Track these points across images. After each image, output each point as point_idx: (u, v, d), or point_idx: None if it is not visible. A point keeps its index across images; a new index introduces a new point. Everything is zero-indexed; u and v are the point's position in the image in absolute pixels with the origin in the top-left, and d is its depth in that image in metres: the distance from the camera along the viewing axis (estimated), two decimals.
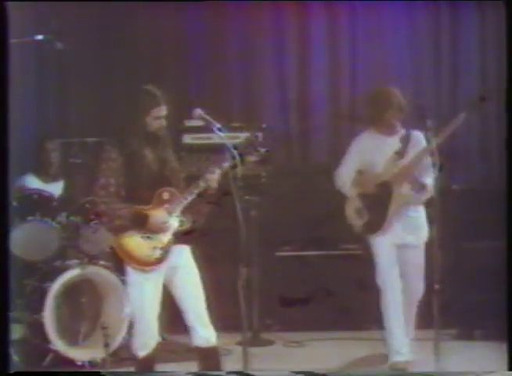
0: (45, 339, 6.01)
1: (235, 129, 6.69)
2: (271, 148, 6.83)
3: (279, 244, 7.31)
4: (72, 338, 6.22)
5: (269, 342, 6.87)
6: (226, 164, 4.83)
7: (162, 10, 7.49)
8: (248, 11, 7.68)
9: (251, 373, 4.90)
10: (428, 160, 5.63)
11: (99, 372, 5.61)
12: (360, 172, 5.84)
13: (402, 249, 5.78)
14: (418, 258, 5.77)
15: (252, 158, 4.94)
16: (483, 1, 7.51)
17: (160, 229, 4.83)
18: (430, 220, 5.10)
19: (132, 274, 4.87)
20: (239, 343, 5.51)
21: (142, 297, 4.87)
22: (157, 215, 4.81)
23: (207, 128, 4.90)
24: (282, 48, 7.96)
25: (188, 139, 7.19)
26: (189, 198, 4.86)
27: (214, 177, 4.83)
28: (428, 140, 5.39)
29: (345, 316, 6.18)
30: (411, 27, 7.85)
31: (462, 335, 6.73)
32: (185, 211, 4.89)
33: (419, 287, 5.81)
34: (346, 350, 6.21)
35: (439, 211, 5.02)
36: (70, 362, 6.03)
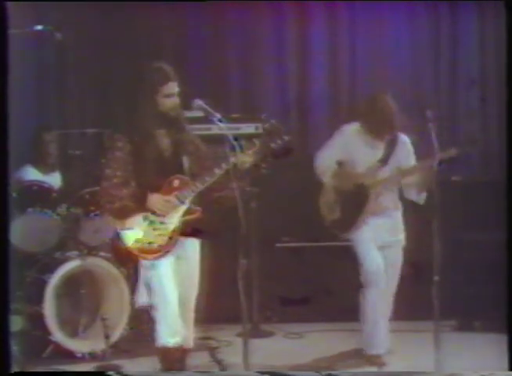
0: (45, 331, 6.01)
1: (234, 120, 6.70)
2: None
3: (278, 236, 7.32)
4: (72, 330, 6.23)
5: (269, 334, 6.88)
6: (241, 155, 4.66)
7: (162, 5, 7.47)
8: (248, 10, 7.67)
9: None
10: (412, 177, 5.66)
11: (101, 372, 5.60)
12: (340, 165, 5.75)
13: (381, 249, 5.74)
14: (396, 259, 5.77)
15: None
16: (483, 1, 7.50)
17: (162, 208, 4.67)
18: (430, 212, 5.09)
19: (145, 264, 4.75)
20: (239, 335, 5.51)
21: (160, 285, 4.71)
22: (160, 195, 4.68)
23: (206, 119, 4.88)
24: (282, 44, 7.95)
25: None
26: (201, 186, 4.72)
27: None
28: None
29: (346, 308, 6.18)
30: (411, 27, 7.84)
31: (462, 327, 6.75)
32: (196, 200, 4.76)
33: (393, 286, 5.79)
34: (346, 341, 6.21)
35: (439, 202, 5.01)
36: (70, 353, 6.04)
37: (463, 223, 6.85)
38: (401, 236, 5.79)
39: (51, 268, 6.15)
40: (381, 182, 5.66)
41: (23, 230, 6.21)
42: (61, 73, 7.54)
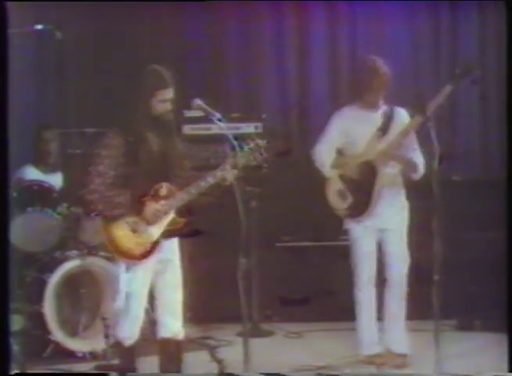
0: (45, 330, 6.01)
1: (234, 120, 6.70)
2: (270, 139, 6.83)
3: (278, 235, 7.31)
4: (72, 329, 6.22)
5: (269, 333, 6.88)
6: (228, 169, 4.74)
7: (162, 5, 7.47)
8: (248, 10, 7.67)
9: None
10: (414, 139, 5.57)
11: (103, 373, 5.60)
12: (341, 153, 5.67)
13: (384, 233, 5.66)
14: (401, 243, 5.66)
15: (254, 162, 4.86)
16: (483, 1, 7.50)
17: (155, 219, 4.75)
18: (430, 211, 5.08)
19: (122, 265, 4.87)
20: (240, 334, 5.51)
21: (129, 289, 4.83)
22: (151, 204, 4.74)
23: (206, 119, 4.88)
24: (282, 44, 7.96)
25: (187, 129, 7.19)
26: (187, 198, 4.78)
27: (219, 177, 4.75)
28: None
29: (346, 307, 6.17)
30: (411, 27, 7.84)
31: (462, 326, 6.75)
32: (180, 209, 4.83)
33: (402, 273, 5.68)
34: (346, 341, 6.20)
35: (439, 201, 5.00)
36: (71, 353, 6.03)
37: (463, 222, 6.85)
38: (405, 218, 5.68)
39: (51, 267, 6.15)
40: (385, 150, 5.54)
41: (23, 230, 6.21)
42: (61, 72, 7.53)
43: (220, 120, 4.75)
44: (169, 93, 4.79)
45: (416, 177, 5.63)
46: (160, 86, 4.77)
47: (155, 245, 4.80)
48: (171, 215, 4.81)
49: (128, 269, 4.83)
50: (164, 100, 4.77)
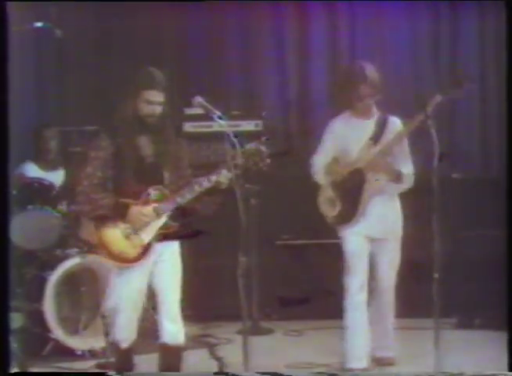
0: (45, 328, 6.02)
1: (234, 118, 6.71)
2: (270, 137, 6.82)
3: (278, 233, 7.32)
4: (72, 327, 6.23)
5: (269, 331, 6.88)
6: (224, 173, 4.67)
7: (162, 4, 7.48)
8: (248, 8, 7.68)
9: None
10: (405, 147, 5.51)
11: (102, 373, 5.60)
12: (335, 160, 5.58)
13: (375, 243, 5.55)
14: (391, 254, 5.57)
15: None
16: (483, 1, 7.50)
17: (139, 223, 4.68)
18: (430, 209, 5.06)
19: (115, 269, 4.83)
20: (239, 332, 5.51)
21: (122, 293, 4.81)
22: (139, 208, 4.68)
23: (207, 116, 4.87)
24: (282, 44, 7.97)
25: (188, 127, 7.19)
26: (180, 201, 4.71)
27: (211, 183, 4.68)
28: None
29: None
30: (411, 27, 7.84)
31: (462, 324, 6.75)
32: (174, 212, 4.76)
33: (389, 285, 5.61)
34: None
35: (439, 199, 5.00)
36: (70, 351, 6.03)
37: (463, 220, 6.85)
38: (397, 229, 5.61)
39: (51, 265, 6.16)
40: (376, 158, 5.43)
41: (23, 227, 6.21)
42: (61, 69, 7.55)
43: (220, 117, 4.73)
44: (157, 96, 4.70)
45: (402, 187, 5.54)
46: (147, 86, 4.69)
47: (147, 248, 4.72)
48: (164, 219, 4.75)
49: (120, 273, 4.79)
50: (149, 101, 4.69)
